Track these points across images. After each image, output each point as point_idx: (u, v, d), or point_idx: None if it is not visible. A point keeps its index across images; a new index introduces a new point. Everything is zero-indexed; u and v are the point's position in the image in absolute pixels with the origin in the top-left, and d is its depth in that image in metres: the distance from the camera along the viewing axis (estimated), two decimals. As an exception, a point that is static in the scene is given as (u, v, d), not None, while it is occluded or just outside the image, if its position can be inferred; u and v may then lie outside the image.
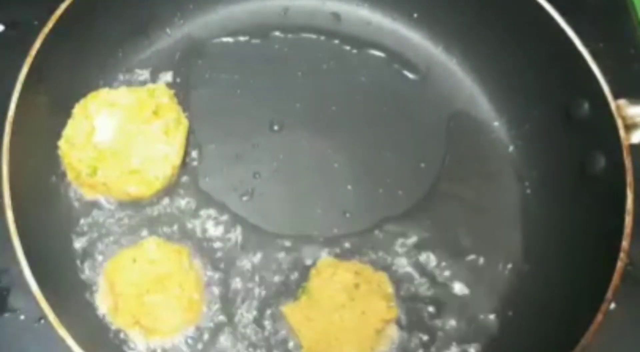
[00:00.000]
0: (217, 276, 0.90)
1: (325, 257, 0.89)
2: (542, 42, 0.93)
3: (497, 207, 0.97)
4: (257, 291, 0.89)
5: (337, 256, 0.91)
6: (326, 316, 0.84)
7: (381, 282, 0.88)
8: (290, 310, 0.86)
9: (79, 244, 0.90)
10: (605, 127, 0.85)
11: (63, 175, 0.92)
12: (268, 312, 0.88)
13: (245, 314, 0.88)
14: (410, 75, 1.04)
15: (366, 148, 0.99)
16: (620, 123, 0.83)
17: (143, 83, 0.99)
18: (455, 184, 0.97)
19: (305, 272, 0.90)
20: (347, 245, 0.92)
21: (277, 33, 1.06)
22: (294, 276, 0.90)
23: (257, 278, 0.90)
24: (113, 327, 0.86)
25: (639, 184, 0.82)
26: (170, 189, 0.93)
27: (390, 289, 0.88)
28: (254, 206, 0.94)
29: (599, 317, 0.77)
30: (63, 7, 0.88)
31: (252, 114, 1.00)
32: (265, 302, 0.89)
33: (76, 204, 0.92)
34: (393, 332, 0.87)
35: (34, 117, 0.87)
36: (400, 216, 0.94)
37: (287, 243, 0.92)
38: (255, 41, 1.05)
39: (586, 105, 0.89)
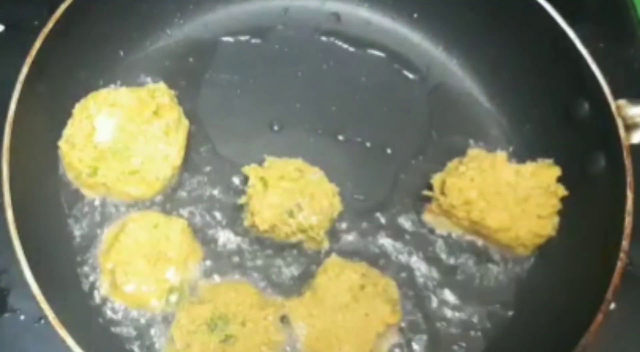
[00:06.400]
0: (217, 275, 0.90)
1: (333, 256, 0.89)
2: (542, 42, 0.93)
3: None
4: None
5: (339, 254, 0.90)
6: (329, 314, 0.84)
7: (388, 286, 0.87)
8: (293, 305, 0.86)
9: (79, 244, 0.90)
10: (605, 127, 0.85)
11: (63, 175, 0.92)
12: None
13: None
14: (410, 75, 1.04)
15: (366, 148, 0.99)
16: (620, 123, 0.84)
17: (143, 83, 0.99)
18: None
19: (308, 271, 0.90)
20: (347, 245, 0.92)
21: (277, 33, 1.06)
22: (297, 275, 0.90)
23: (257, 278, 0.90)
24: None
25: (639, 184, 0.82)
26: (170, 189, 0.93)
27: (396, 294, 0.88)
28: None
29: (599, 317, 0.77)
30: (63, 7, 0.88)
31: (252, 114, 1.00)
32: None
33: (76, 204, 0.92)
34: (394, 336, 0.87)
35: (34, 117, 0.87)
36: (401, 215, 0.94)
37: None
38: (255, 41, 1.05)
39: (586, 105, 0.89)
